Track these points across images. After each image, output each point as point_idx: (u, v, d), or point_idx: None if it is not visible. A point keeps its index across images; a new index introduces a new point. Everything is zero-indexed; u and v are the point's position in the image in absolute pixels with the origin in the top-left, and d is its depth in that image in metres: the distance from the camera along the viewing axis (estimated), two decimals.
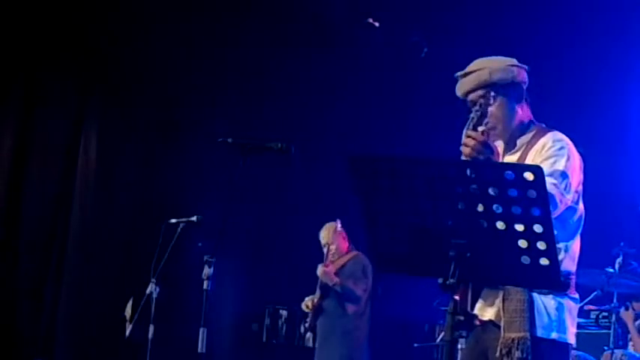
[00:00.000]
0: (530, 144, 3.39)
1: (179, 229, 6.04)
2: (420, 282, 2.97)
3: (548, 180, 3.07)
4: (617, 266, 6.12)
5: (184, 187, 8.68)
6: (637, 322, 6.38)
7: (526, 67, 3.48)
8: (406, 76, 8.47)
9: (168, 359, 6.80)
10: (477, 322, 3.32)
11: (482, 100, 3.36)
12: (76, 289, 8.47)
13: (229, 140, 4.12)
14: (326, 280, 7.02)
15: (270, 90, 8.84)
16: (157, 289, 5.97)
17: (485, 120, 3.34)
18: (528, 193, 2.50)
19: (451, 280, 2.62)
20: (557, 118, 3.57)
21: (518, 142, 3.44)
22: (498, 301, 3.27)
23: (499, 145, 3.43)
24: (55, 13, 8.26)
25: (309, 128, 8.75)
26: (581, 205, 3.37)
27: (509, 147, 3.45)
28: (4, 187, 8.28)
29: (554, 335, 3.26)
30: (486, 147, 3.09)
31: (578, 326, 3.83)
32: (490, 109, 3.38)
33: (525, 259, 2.60)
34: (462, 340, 3.54)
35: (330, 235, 7.13)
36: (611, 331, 6.08)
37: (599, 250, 5.97)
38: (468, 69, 3.45)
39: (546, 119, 3.51)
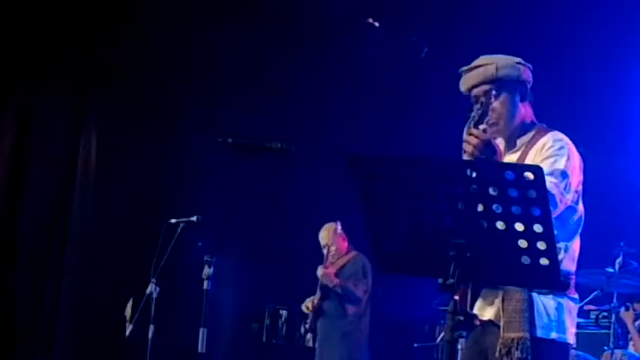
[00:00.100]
0: (531, 144, 3.38)
1: (179, 229, 6.05)
2: (420, 282, 2.96)
3: (549, 179, 3.07)
4: (617, 266, 6.11)
5: (184, 187, 8.68)
6: (637, 322, 6.39)
7: (531, 67, 3.48)
8: (406, 76, 8.47)
9: (168, 359, 6.81)
10: (477, 322, 3.32)
11: (484, 98, 3.36)
12: (76, 289, 8.47)
13: (229, 140, 4.12)
14: (326, 281, 7.02)
15: (270, 90, 8.83)
16: (157, 289, 5.97)
17: (487, 118, 3.34)
18: (528, 193, 2.50)
19: (451, 280, 2.62)
20: (557, 118, 3.56)
21: (519, 141, 3.44)
22: (498, 301, 3.27)
23: (500, 142, 3.42)
24: (55, 13, 8.26)
25: (309, 128, 8.74)
26: (580, 206, 3.37)
27: (510, 146, 3.45)
28: (3, 187, 8.29)
29: (553, 335, 3.26)
30: (489, 146, 3.08)
31: (578, 326, 3.83)
32: (493, 104, 3.37)
33: (525, 259, 2.60)
34: (461, 341, 3.53)
35: (330, 235, 7.13)
36: (611, 331, 6.08)
37: (599, 250, 5.97)
38: (474, 64, 3.44)
39: (546, 119, 3.51)
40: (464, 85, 3.45)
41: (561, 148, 3.30)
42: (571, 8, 7.44)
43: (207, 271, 3.98)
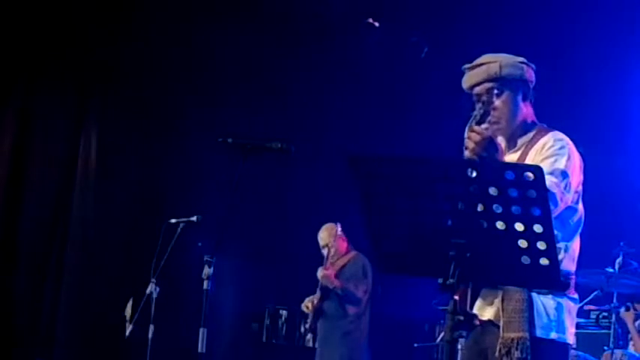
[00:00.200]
0: (531, 143, 3.38)
1: (179, 229, 6.05)
2: (420, 282, 2.96)
3: (549, 178, 3.07)
4: (617, 266, 6.12)
5: (184, 187, 8.68)
6: (637, 322, 6.38)
7: (534, 67, 3.48)
8: (406, 76, 8.47)
9: (168, 359, 6.81)
10: (477, 322, 3.32)
11: (487, 97, 3.36)
12: (76, 289, 8.47)
13: (229, 140, 4.12)
14: (327, 283, 7.02)
15: (270, 90, 8.83)
16: (157, 289, 5.97)
17: (488, 117, 3.34)
18: (528, 193, 2.50)
19: (451, 280, 2.62)
20: (557, 118, 3.56)
21: (519, 141, 3.44)
22: (498, 301, 3.27)
23: (500, 141, 3.42)
24: (55, 13, 8.26)
25: (309, 128, 8.74)
26: (580, 206, 3.37)
27: (510, 145, 3.45)
28: (3, 187, 8.29)
29: (553, 335, 3.26)
30: (490, 143, 3.07)
31: (578, 326, 3.84)
32: (495, 103, 3.37)
33: (525, 259, 2.60)
34: (461, 340, 3.54)
35: (330, 236, 7.13)
36: (611, 331, 6.08)
37: (599, 250, 5.97)
38: (477, 61, 3.44)
39: (547, 119, 3.51)
40: (466, 82, 3.44)
41: (562, 147, 3.30)
42: (571, 8, 7.44)
43: (207, 271, 3.98)
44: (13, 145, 8.37)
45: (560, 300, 3.29)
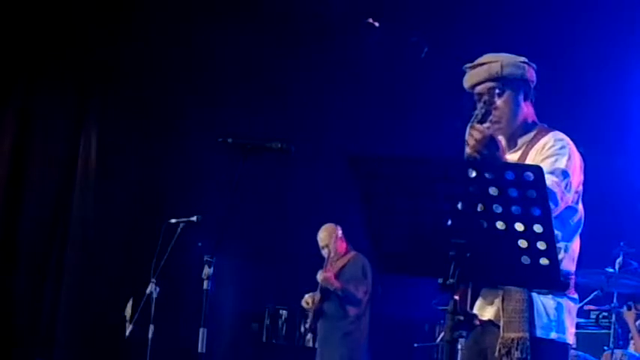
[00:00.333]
0: (532, 143, 3.38)
1: (179, 229, 6.05)
2: (420, 282, 2.96)
3: (550, 177, 3.08)
4: (617, 266, 6.11)
5: (184, 187, 8.68)
6: (638, 322, 6.38)
7: (535, 67, 3.48)
8: (406, 76, 8.47)
9: (168, 359, 6.81)
10: (477, 322, 3.32)
11: (488, 96, 3.35)
12: (76, 289, 8.47)
13: (229, 140, 4.12)
14: (327, 285, 7.02)
15: (270, 90, 8.84)
16: (157, 289, 5.97)
17: (490, 116, 3.33)
18: (528, 193, 2.50)
19: (451, 280, 2.62)
20: (557, 118, 3.57)
21: (520, 140, 3.43)
22: (498, 301, 3.27)
23: (501, 140, 3.41)
24: (54, 13, 8.26)
25: (309, 128, 8.75)
26: (580, 207, 3.37)
27: (511, 145, 3.44)
28: (3, 187, 8.29)
29: (553, 335, 3.26)
30: (492, 141, 3.06)
31: (578, 326, 3.84)
32: (496, 102, 3.37)
33: (525, 259, 2.60)
34: (461, 340, 3.54)
35: (329, 237, 7.13)
36: (611, 331, 6.07)
37: (599, 250, 5.97)
38: (478, 61, 3.44)
39: (547, 119, 3.51)
40: (467, 81, 3.44)
41: (562, 147, 3.30)
42: (571, 8, 7.44)
43: (207, 271, 3.98)
44: (13, 145, 8.37)
45: (560, 300, 3.29)
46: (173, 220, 6.11)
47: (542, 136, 3.38)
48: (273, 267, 8.96)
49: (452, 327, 2.66)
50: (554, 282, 2.68)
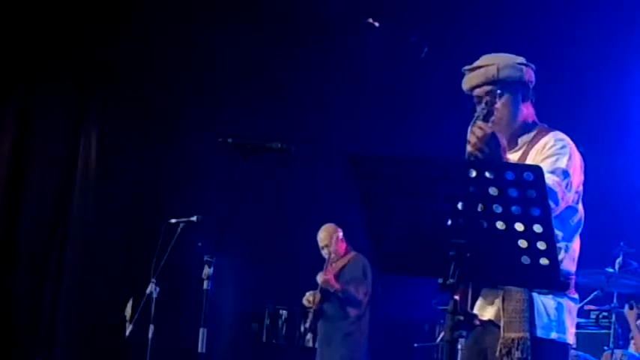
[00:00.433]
0: (532, 143, 3.38)
1: (179, 229, 6.05)
2: (420, 282, 2.96)
3: (550, 177, 3.08)
4: (617, 266, 6.11)
5: (184, 187, 8.68)
6: (639, 322, 6.37)
7: (533, 67, 3.47)
8: (406, 76, 8.47)
9: (168, 359, 6.81)
10: (477, 322, 3.31)
11: (488, 98, 3.35)
12: (76, 289, 8.47)
13: (229, 140, 4.12)
14: (327, 287, 7.02)
15: (270, 90, 8.84)
16: (157, 289, 5.97)
17: (492, 117, 3.33)
18: (528, 193, 2.50)
19: (451, 280, 2.62)
20: (557, 118, 3.57)
21: (520, 140, 3.43)
22: (498, 301, 3.27)
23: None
24: (54, 13, 8.26)
25: (309, 128, 8.75)
26: (580, 207, 3.37)
27: (511, 145, 3.44)
28: (3, 187, 8.29)
29: (553, 335, 3.26)
30: (493, 139, 3.05)
31: (578, 326, 3.83)
32: (495, 105, 3.37)
33: (525, 259, 2.60)
34: (461, 340, 3.54)
35: (329, 237, 7.13)
36: (611, 331, 6.07)
37: (599, 250, 5.96)
38: (476, 64, 3.44)
39: (547, 119, 3.51)
40: (466, 84, 3.45)
41: (563, 147, 3.30)
42: (571, 8, 7.44)
43: (207, 271, 3.98)
44: (13, 145, 8.37)
45: (560, 300, 3.29)
46: (173, 220, 6.11)
47: (543, 136, 3.38)
48: (273, 267, 8.96)
49: (452, 327, 2.66)
50: (554, 282, 2.68)
